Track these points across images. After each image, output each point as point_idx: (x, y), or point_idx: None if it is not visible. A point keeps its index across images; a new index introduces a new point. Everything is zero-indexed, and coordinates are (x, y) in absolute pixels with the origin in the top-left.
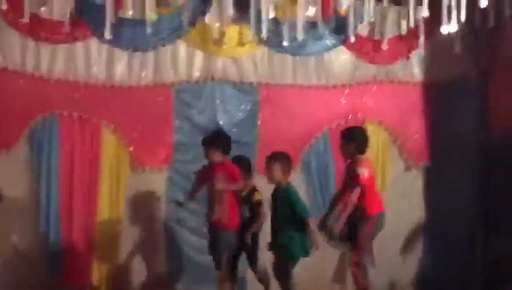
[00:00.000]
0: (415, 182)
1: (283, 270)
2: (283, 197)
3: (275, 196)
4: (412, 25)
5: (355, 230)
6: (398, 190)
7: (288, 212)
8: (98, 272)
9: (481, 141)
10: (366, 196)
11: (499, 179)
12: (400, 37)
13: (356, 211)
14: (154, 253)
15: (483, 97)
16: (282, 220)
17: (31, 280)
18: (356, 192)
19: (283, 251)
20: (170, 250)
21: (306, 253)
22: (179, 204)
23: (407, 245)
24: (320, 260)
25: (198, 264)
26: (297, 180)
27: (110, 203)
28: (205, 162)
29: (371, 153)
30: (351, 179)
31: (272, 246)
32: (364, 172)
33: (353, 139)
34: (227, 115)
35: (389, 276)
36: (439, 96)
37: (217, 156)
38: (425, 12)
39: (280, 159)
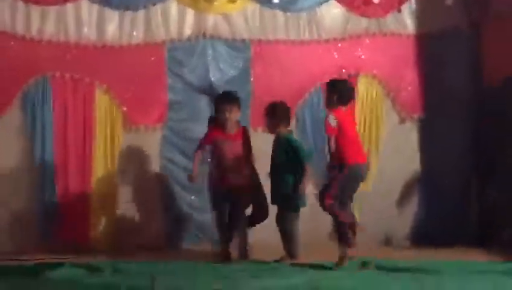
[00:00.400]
0: (410, 135)
1: (287, 222)
2: (284, 146)
3: (275, 146)
4: None
5: None
6: (393, 144)
7: (289, 161)
8: (94, 231)
9: (474, 92)
10: (339, 146)
11: (492, 129)
12: None
13: (333, 161)
14: (149, 211)
15: (475, 48)
16: (283, 169)
17: (28, 242)
18: (330, 141)
19: (286, 201)
20: (166, 208)
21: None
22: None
23: (403, 199)
24: (316, 217)
25: (195, 222)
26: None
27: (104, 163)
28: (199, 120)
29: (365, 107)
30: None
31: (275, 198)
32: (331, 121)
33: (335, 91)
34: (220, 72)
35: (384, 230)
36: (431, 48)
37: (236, 115)
38: None
39: (279, 108)
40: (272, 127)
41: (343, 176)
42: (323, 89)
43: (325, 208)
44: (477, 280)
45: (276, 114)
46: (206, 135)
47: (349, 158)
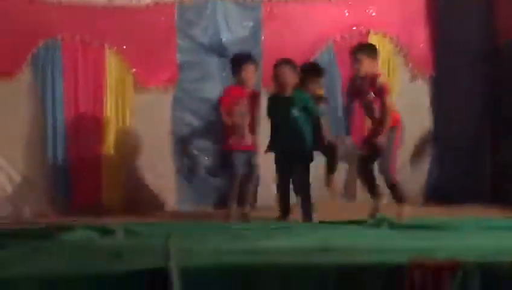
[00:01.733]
0: (422, 92)
1: (305, 182)
2: (295, 101)
3: (284, 102)
4: None
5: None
6: (405, 102)
7: (302, 116)
8: (107, 192)
9: (487, 50)
10: (387, 108)
11: (506, 85)
12: None
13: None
14: (161, 172)
15: (487, 4)
16: (297, 124)
17: (41, 205)
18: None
19: (305, 156)
20: (178, 169)
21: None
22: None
23: (416, 156)
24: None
25: (208, 183)
26: None
27: (116, 125)
28: (210, 80)
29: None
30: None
31: (291, 156)
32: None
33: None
34: (230, 33)
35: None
36: (443, 4)
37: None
38: None
39: (288, 63)
40: (282, 85)
41: (398, 140)
42: (336, 48)
43: (393, 182)
44: (493, 236)
45: (287, 69)
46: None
47: (397, 120)
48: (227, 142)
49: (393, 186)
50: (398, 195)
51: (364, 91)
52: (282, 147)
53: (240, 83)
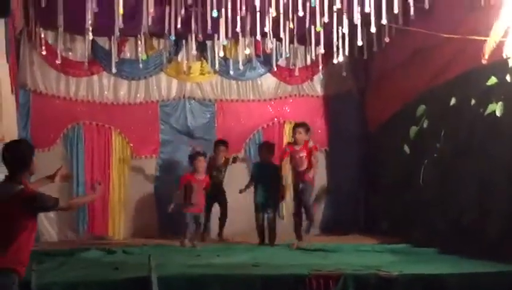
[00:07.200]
0: (320, 160)
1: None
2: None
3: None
4: (313, 58)
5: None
6: None
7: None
8: (112, 226)
9: (361, 134)
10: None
11: (375, 159)
12: (307, 66)
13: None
14: (148, 212)
15: (361, 104)
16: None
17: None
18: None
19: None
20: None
21: None
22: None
23: (316, 202)
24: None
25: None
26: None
27: (118, 181)
28: (180, 153)
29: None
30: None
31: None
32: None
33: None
34: (195, 121)
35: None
36: (333, 105)
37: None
38: (322, 50)
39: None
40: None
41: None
42: (263, 132)
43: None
44: (364, 255)
45: (269, 149)
46: None
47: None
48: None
49: (310, 220)
50: (308, 226)
51: (299, 151)
52: None
53: (195, 170)
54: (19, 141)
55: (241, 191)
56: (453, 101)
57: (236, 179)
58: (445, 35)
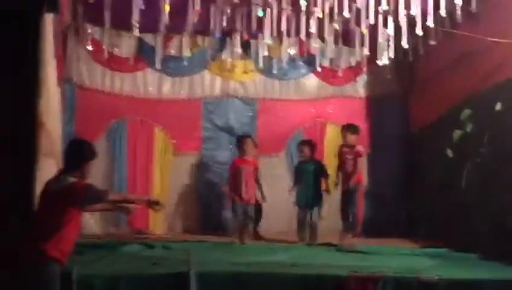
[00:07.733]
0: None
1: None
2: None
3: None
4: (358, 59)
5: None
6: None
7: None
8: (153, 221)
9: (403, 136)
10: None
11: (417, 161)
12: (350, 67)
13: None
14: (189, 208)
15: (404, 106)
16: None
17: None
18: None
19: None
20: (200, 207)
21: None
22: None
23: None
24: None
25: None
26: (283, 160)
27: (161, 177)
28: (222, 150)
29: (331, 145)
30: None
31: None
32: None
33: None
34: (237, 119)
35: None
36: (376, 106)
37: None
38: (366, 51)
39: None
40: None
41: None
42: (305, 131)
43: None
44: (404, 259)
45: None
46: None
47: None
48: (230, 195)
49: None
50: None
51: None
52: None
53: (242, 154)
54: (84, 141)
55: (290, 191)
56: (498, 106)
57: (273, 177)
58: (492, 40)
